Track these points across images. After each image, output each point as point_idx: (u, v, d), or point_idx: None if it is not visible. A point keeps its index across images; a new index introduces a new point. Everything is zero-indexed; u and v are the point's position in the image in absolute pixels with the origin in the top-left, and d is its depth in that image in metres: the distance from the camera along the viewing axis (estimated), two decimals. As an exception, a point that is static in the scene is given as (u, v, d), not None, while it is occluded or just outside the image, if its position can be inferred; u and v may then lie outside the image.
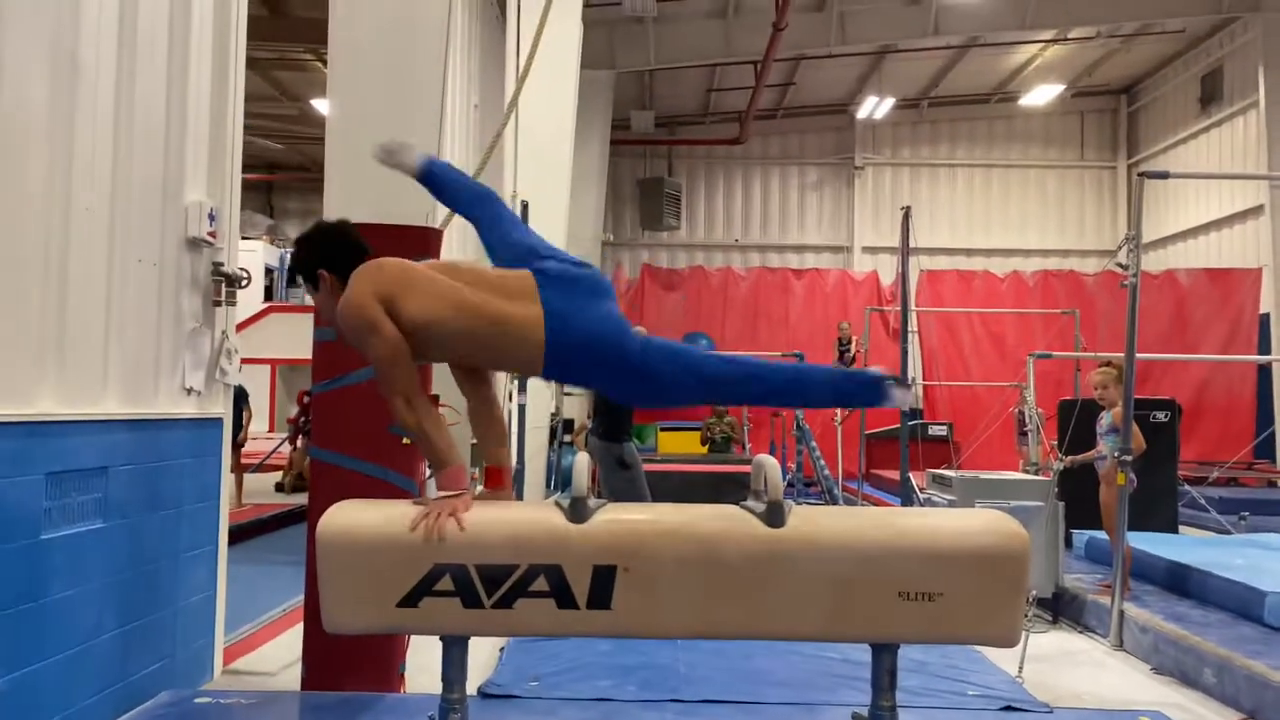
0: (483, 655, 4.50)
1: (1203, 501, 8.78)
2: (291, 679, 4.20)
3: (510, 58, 10.00)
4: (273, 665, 4.65)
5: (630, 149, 17.93)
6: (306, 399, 4.20)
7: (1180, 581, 6.13)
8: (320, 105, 14.61)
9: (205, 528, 4.28)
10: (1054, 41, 15.43)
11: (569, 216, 11.08)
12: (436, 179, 2.94)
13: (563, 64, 10.09)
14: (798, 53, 14.96)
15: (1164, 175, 6.13)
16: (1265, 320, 13.86)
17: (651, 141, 17.91)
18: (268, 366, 15.13)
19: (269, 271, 17.88)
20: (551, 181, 10.18)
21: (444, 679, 2.42)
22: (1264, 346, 13.67)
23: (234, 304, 4.49)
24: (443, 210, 4.33)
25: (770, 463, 2.41)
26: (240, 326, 5.10)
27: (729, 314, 15.84)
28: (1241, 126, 15.04)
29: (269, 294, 17.48)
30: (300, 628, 4.03)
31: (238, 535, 6.81)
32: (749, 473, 2.51)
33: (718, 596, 2.27)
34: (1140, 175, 5.97)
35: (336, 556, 2.31)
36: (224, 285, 4.33)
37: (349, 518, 2.36)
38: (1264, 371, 13.61)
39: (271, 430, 14.75)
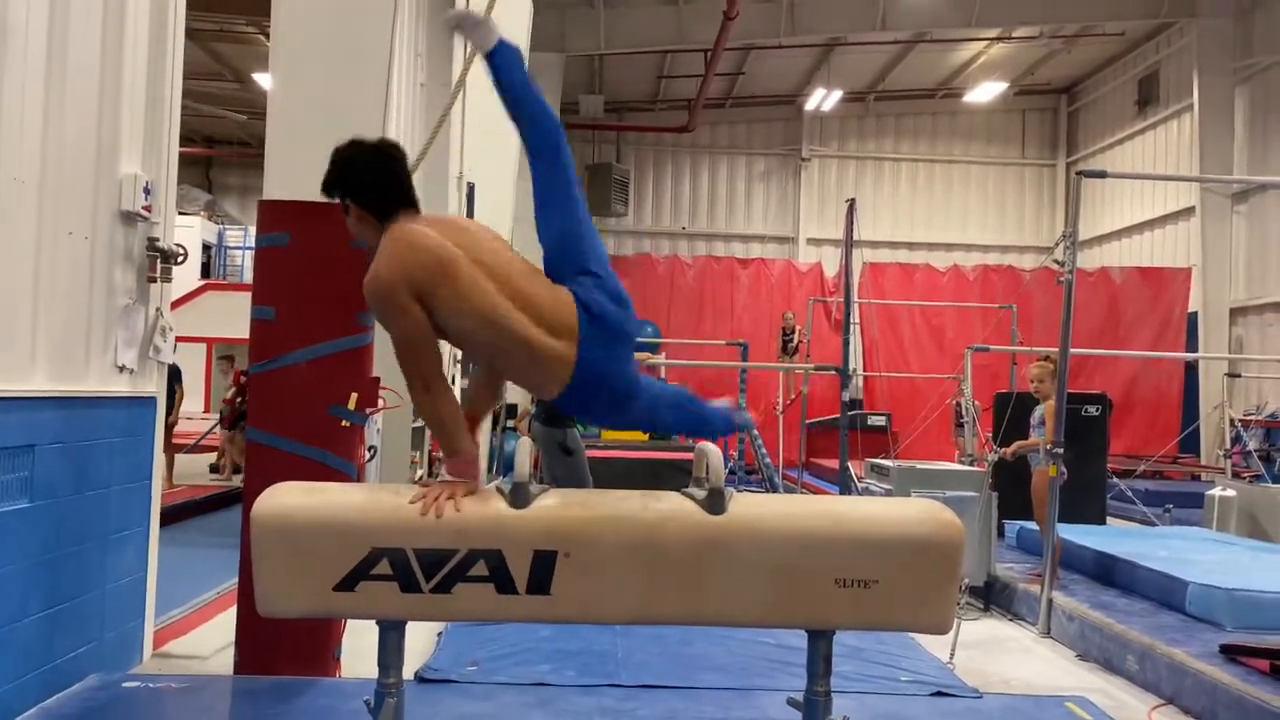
0: (420, 640, 4.47)
1: (1130, 494, 9.03)
2: (224, 663, 4.13)
3: (459, 37, 9.86)
4: (205, 649, 4.57)
5: (579, 133, 17.83)
6: (243, 379, 4.13)
7: (1107, 571, 6.31)
8: (263, 79, 14.30)
9: (136, 509, 4.19)
10: (998, 40, 15.68)
11: (516, 199, 11.00)
12: (504, 71, 2.58)
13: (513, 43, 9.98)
14: (748, 42, 15.00)
15: (1102, 174, 6.27)
16: (1193, 319, 14.28)
17: (600, 126, 17.84)
18: (204, 345, 14.82)
19: (206, 248, 17.51)
20: (499, 164, 10.09)
21: (380, 663, 2.40)
22: (1191, 344, 14.09)
23: (169, 280, 4.38)
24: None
25: (712, 450, 2.42)
26: (176, 304, 4.99)
27: (675, 302, 15.88)
28: (1176, 129, 15.45)
29: (206, 271, 17.13)
30: (234, 611, 3.96)
31: (170, 517, 6.67)
32: (691, 459, 2.52)
33: (658, 583, 2.28)
34: (1079, 174, 6.10)
35: (272, 539, 2.27)
36: (159, 261, 4.22)
37: (285, 500, 2.32)
38: (1190, 369, 14.02)
39: (207, 410, 14.47)
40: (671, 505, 2.35)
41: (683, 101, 17.37)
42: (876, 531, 2.36)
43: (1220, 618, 5.09)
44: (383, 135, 3.98)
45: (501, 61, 2.58)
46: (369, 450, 4.31)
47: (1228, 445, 11.32)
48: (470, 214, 7.49)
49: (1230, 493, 8.00)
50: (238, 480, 9.16)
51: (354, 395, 3.82)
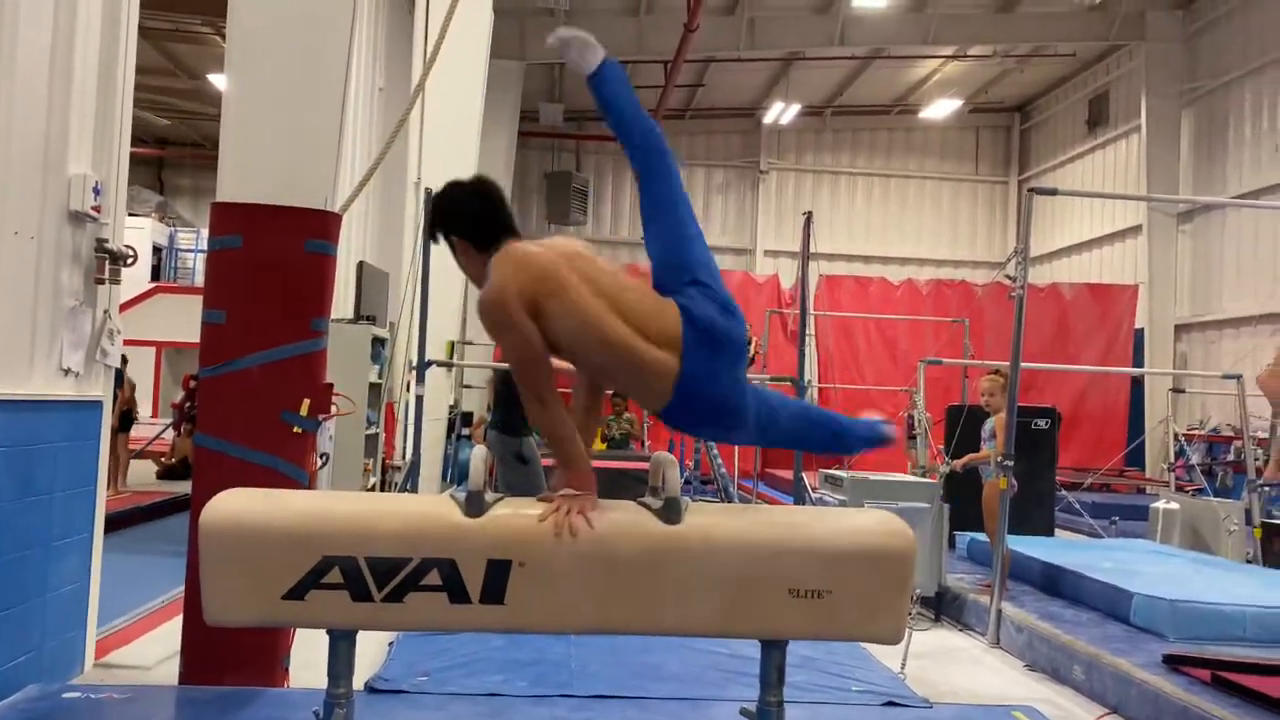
0: (371, 649, 4.42)
1: (1078, 506, 9.19)
2: (169, 673, 4.05)
3: (418, 41, 9.82)
4: (149, 659, 4.47)
5: (538, 141, 17.83)
6: (193, 383, 4.05)
7: (1055, 582, 6.40)
8: (217, 81, 14.10)
9: (79, 515, 4.10)
10: (954, 58, 15.94)
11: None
12: (610, 93, 2.61)
13: (472, 51, 9.96)
14: (708, 55, 15.11)
15: (1053, 192, 6.39)
16: (1140, 335, 14.58)
17: (560, 135, 17.84)
18: (153, 349, 14.54)
19: (157, 250, 17.20)
20: (456, 170, 9.84)
21: (330, 673, 2.36)
22: (1138, 360, 14.38)
23: (118, 282, 4.29)
24: (343, 192, 4.23)
25: (668, 460, 2.43)
26: (125, 306, 4.89)
27: (633, 311, 15.88)
28: (1125, 149, 15.79)
29: (156, 273, 16.82)
30: (179, 620, 3.88)
31: (116, 523, 6.54)
32: (647, 469, 2.52)
33: (612, 592, 2.27)
34: (1030, 191, 6.21)
35: (220, 547, 2.23)
36: (108, 262, 4.14)
37: (234, 507, 2.28)
38: (1137, 384, 14.31)
39: (155, 415, 14.19)
40: (627, 515, 2.34)
41: (643, 112, 17.42)
42: (830, 542, 2.37)
43: (1164, 628, 5.19)
44: (339, 139, 3.96)
45: (608, 79, 2.62)
46: (321, 457, 4.25)
47: (1171, 459, 11.57)
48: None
49: (1174, 506, 8.17)
50: (183, 486, 9.01)
51: (306, 401, 3.77)
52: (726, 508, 2.46)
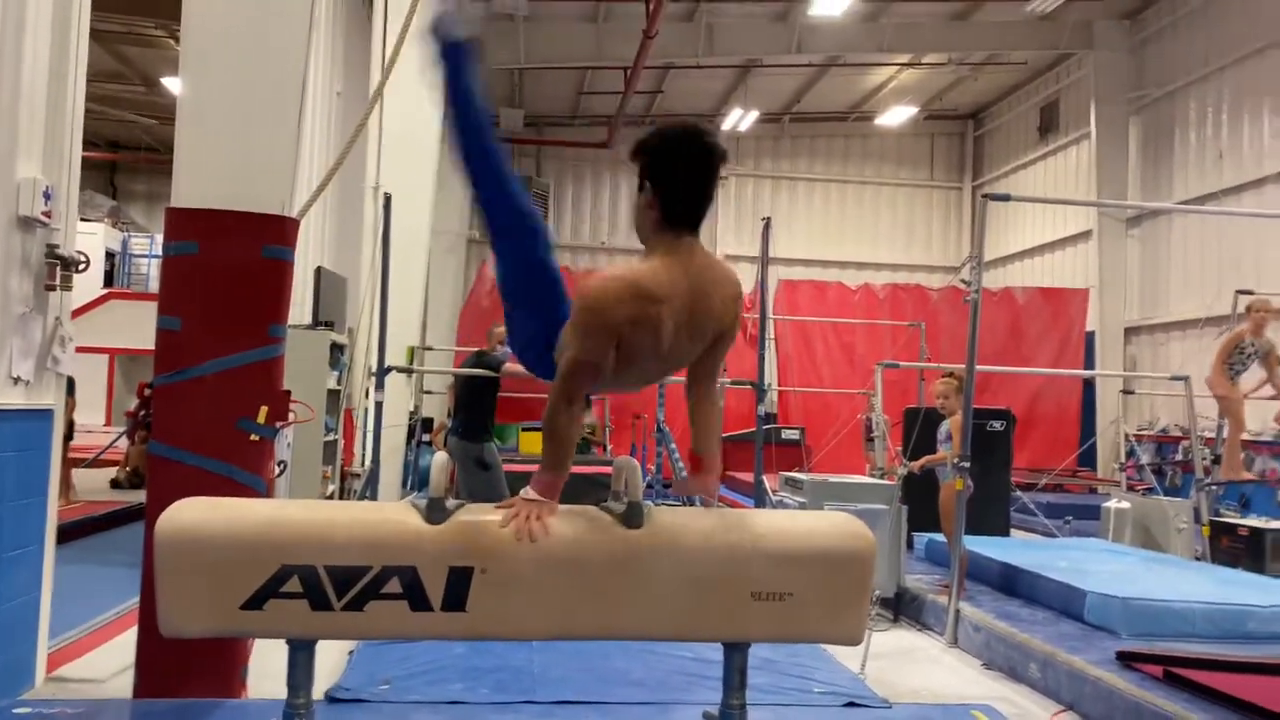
0: (331, 658, 4.37)
1: (1032, 506, 9.32)
2: (123, 686, 3.98)
3: (376, 45, 9.76)
4: (102, 672, 4.39)
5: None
6: (147, 391, 3.99)
7: (1011, 582, 6.50)
8: (171, 84, 13.91)
9: (30, 526, 4.01)
10: (909, 65, 16.14)
11: (434, 211, 10.90)
12: (454, 72, 2.45)
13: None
14: (667, 61, 15.16)
15: (1006, 198, 6.50)
16: (1091, 338, 14.85)
17: (520, 140, 17.80)
18: (106, 356, 14.29)
19: (110, 255, 16.92)
20: (416, 174, 9.97)
21: (289, 684, 2.34)
22: (1089, 362, 14.64)
23: (70, 289, 4.22)
24: (300, 198, 4.20)
25: (631, 465, 2.43)
26: (77, 313, 4.80)
27: (593, 316, 15.87)
28: (1075, 155, 16.09)
29: (110, 279, 16.55)
30: (134, 632, 3.82)
31: (69, 534, 6.40)
32: (609, 474, 2.52)
33: (575, 598, 2.27)
34: (984, 197, 6.31)
35: (175, 557, 2.20)
36: (59, 268, 4.07)
37: (190, 516, 2.25)
38: (1089, 385, 14.57)
39: (108, 424, 13.94)
40: (588, 520, 2.35)
41: (603, 118, 17.45)
42: (791, 545, 2.39)
43: (1117, 626, 5.28)
44: (297, 144, 3.93)
45: (450, 73, 2.49)
46: (279, 465, 4.21)
47: (1122, 459, 11.79)
48: (388, 224, 7.38)
49: (1125, 505, 8.32)
50: (136, 495, 8.86)
51: (264, 408, 3.73)
52: (688, 511, 2.47)
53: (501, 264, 2.61)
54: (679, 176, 2.29)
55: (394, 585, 2.21)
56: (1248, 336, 7.67)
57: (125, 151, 19.55)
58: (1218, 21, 13.08)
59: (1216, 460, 8.20)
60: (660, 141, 2.32)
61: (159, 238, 9.16)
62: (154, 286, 14.56)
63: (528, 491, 2.31)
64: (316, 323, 8.54)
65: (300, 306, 8.54)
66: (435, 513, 2.27)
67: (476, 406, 6.96)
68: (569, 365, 2.30)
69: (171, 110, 4.38)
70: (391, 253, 7.51)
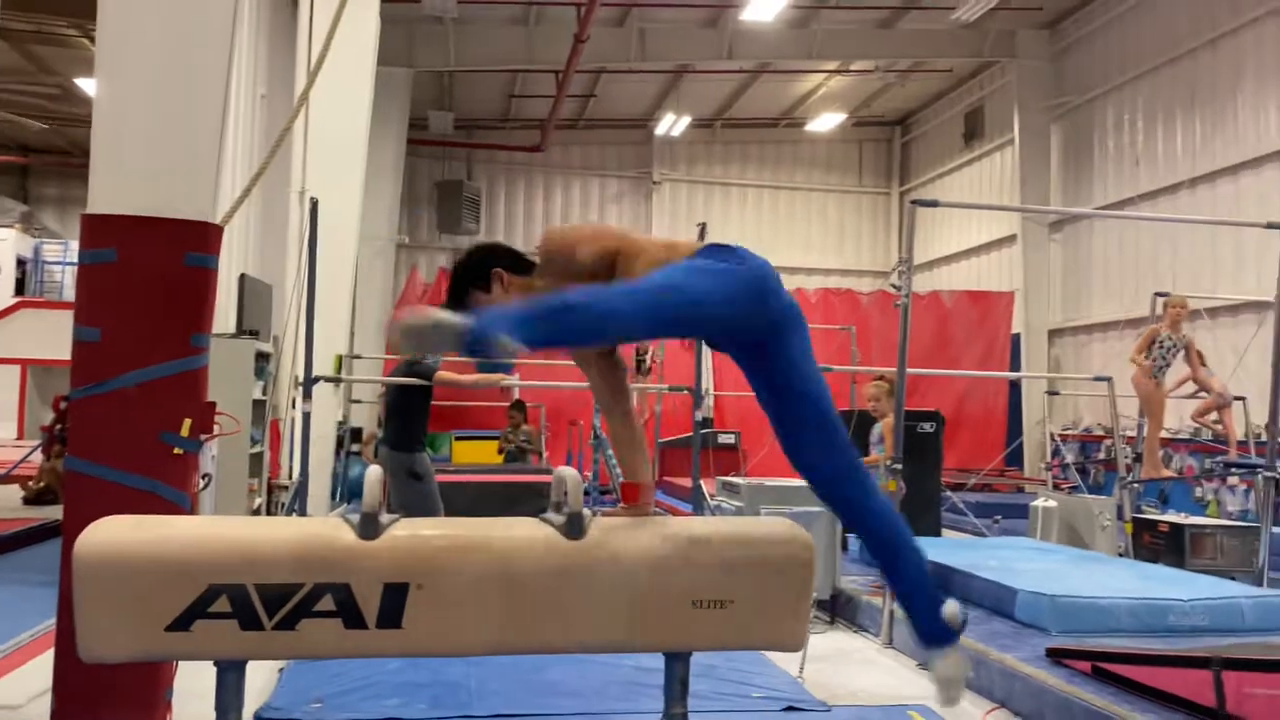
0: (260, 677, 4.25)
1: (962, 506, 9.50)
2: (39, 712, 3.81)
3: (302, 48, 9.57)
4: (17, 697, 4.21)
5: (428, 150, 17.59)
6: (64, 404, 3.84)
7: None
8: (86, 85, 13.48)
9: (-63, 547, 3.83)
10: (837, 72, 16.37)
11: (362, 216, 10.72)
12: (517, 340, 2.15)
13: (358, 57, 9.76)
14: (599, 65, 15.16)
15: (934, 204, 6.61)
16: (1016, 340, 15.21)
17: (450, 144, 17.64)
18: (18, 367, 13.76)
19: (21, 263, 16.32)
20: (344, 179, 9.81)
21: (218, 706, 2.25)
22: (1015, 363, 14.99)
23: (-22, 298, 4.04)
24: (224, 204, 4.08)
25: (572, 475, 2.40)
26: (-15, 323, 4.61)
27: (526, 322, 15.76)
28: (999, 161, 16.47)
29: (20, 287, 15.95)
30: (51, 654, 3.66)
31: (-23, 554, 6.15)
32: (547, 482, 2.49)
33: (515, 612, 2.23)
34: (913, 203, 6.40)
35: (95, 578, 2.11)
36: (-34, 277, 3.89)
37: (111, 535, 2.16)
38: (1015, 387, 14.91)
39: (20, 437, 13.42)
40: (528, 531, 2.31)
41: (535, 121, 17.37)
42: (731, 552, 2.38)
43: (1046, 623, 5.38)
44: (220, 148, 3.82)
45: (486, 335, 2.15)
46: (203, 479, 4.08)
47: (1048, 459, 12.08)
48: (314, 229, 7.24)
49: (1051, 503, 8.51)
50: (50, 511, 8.54)
51: (187, 421, 3.61)
52: (629, 520, 2.44)
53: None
54: (503, 255, 2.71)
55: (327, 603, 2.14)
56: (1164, 331, 7.89)
57: (37, 155, 18.89)
58: (1132, 32, 13.51)
59: (1138, 458, 8.44)
60: (472, 260, 2.70)
61: (74, 244, 8.86)
62: (69, 295, 14.06)
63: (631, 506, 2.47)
64: (241, 331, 8.34)
65: (224, 315, 8.33)
66: (368, 528, 2.21)
67: (408, 416, 6.84)
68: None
69: (86, 112, 4.23)
70: (318, 259, 7.37)
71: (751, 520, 3.17)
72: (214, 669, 2.26)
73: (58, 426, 3.91)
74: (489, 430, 13.14)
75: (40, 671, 4.10)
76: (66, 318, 3.72)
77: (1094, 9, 14.19)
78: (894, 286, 6.13)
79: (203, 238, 3.69)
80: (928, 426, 8.80)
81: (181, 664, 3.74)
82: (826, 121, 17.86)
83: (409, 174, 16.48)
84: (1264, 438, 7.70)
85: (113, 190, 3.60)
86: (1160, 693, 4.10)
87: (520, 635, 2.26)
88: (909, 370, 6.21)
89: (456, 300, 2.61)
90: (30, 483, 10.03)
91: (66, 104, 15.49)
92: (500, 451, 12.49)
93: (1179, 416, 10.63)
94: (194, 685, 3.40)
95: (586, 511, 2.36)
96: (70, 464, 3.63)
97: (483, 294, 2.59)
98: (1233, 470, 9.80)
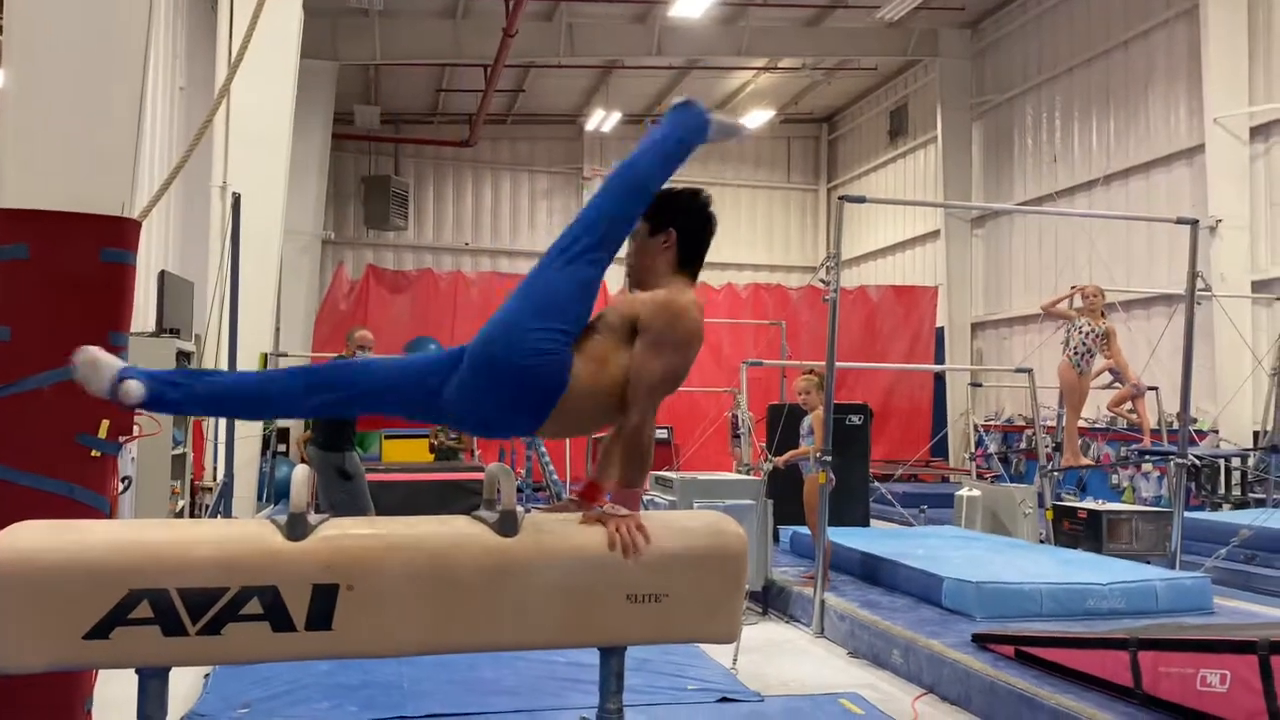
0: (185, 683, 4.15)
1: (890, 497, 9.67)
2: (-51, 727, 3.67)
3: (222, 39, 9.33)
4: (-76, 713, 4.04)
5: (354, 145, 17.30)
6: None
7: (873, 571, 6.72)
8: (-8, 74, 12.96)
9: None
10: (766, 69, 16.51)
11: (287, 211, 10.51)
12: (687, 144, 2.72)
13: (281, 50, 9.54)
14: (528, 60, 15.06)
15: (861, 200, 6.71)
16: (940, 333, 15.53)
17: (377, 138, 17.38)
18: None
19: (-76, 260, 15.61)
20: (267, 173, 9.60)
21: (140, 714, 2.19)
22: (939, 356, 15.31)
23: (-122, 297, 3.86)
24: (141, 198, 3.96)
25: (504, 472, 2.39)
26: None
27: (459, 319, 15.60)
28: (923, 158, 16.80)
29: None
30: (-39, 668, 3.52)
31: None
32: (478, 480, 2.47)
33: (448, 611, 2.21)
34: (840, 199, 6.49)
35: (10, 586, 2.03)
36: None
37: (25, 541, 2.08)
38: (939, 379, 15.24)
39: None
40: (460, 530, 2.29)
41: (463, 116, 17.20)
42: (665, 546, 2.38)
43: (972, 609, 5.52)
44: (137, 141, 3.71)
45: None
46: (123, 482, 3.96)
47: (972, 449, 12.37)
48: (237, 225, 7.07)
49: (975, 493, 8.72)
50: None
51: (105, 422, 3.50)
52: (562, 517, 2.44)
53: (596, 269, 2.54)
54: (697, 230, 2.63)
55: (254, 606, 2.10)
56: (1081, 318, 8.09)
57: (-58, 147, 18.12)
58: (1049, 33, 13.88)
59: (1058, 447, 8.68)
60: (692, 201, 2.65)
61: (-18, 240, 8.52)
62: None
63: (613, 508, 2.33)
64: (161, 330, 8.11)
65: (143, 313, 8.09)
66: (296, 528, 2.17)
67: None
68: (660, 382, 2.40)
69: (-6, 103, 4.07)
70: (241, 255, 7.20)
71: (683, 514, 3.19)
72: (136, 677, 2.20)
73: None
74: (419, 429, 12.98)
75: (-50, 685, 3.95)
76: (-26, 316, 3.57)
77: (1013, 10, 14.55)
78: (822, 281, 6.22)
79: (119, 233, 3.58)
80: (856, 419, 8.95)
81: (102, 672, 3.64)
82: (755, 118, 17.99)
83: (335, 169, 16.20)
84: (1176, 426, 7.99)
85: (24, 184, 3.47)
86: (1080, 674, 4.23)
87: (454, 634, 2.24)
88: (838, 364, 6.30)
89: (656, 220, 2.58)
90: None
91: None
92: (431, 450, 12.35)
93: (1095, 406, 10.96)
94: (115, 693, 3.31)
95: (519, 509, 2.35)
96: (-20, 468, 3.49)
97: (649, 237, 2.56)
98: (1147, 458, 10.16)
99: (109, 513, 3.57)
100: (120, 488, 3.78)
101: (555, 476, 8.89)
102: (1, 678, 2.49)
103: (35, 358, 3.42)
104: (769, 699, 4.30)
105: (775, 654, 5.55)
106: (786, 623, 6.34)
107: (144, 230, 3.87)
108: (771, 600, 6.61)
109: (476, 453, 12.64)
